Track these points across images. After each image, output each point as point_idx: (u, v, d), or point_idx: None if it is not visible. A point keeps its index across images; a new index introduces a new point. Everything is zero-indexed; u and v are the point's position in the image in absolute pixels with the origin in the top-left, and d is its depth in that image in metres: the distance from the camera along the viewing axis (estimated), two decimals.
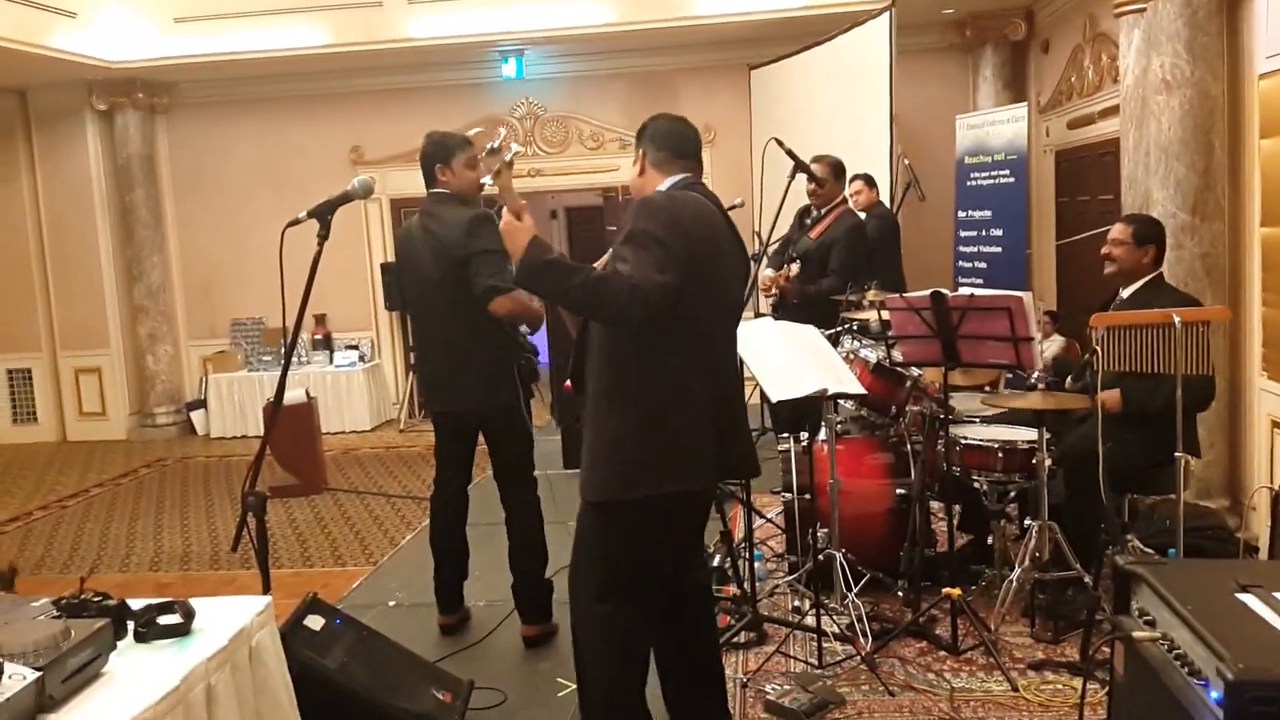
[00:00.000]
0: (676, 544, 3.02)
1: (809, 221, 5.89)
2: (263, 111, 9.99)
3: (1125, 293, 4.27)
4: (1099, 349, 3.79)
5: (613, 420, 2.79)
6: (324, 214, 2.90)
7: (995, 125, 8.06)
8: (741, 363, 3.53)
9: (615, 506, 2.81)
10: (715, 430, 2.83)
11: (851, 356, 4.65)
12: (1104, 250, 4.31)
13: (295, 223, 2.87)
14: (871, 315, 5.04)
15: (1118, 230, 4.29)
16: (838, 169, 5.85)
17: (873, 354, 4.70)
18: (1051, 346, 6.86)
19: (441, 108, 9.59)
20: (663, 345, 2.74)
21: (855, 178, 6.72)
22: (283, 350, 9.39)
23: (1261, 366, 4.80)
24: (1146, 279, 4.23)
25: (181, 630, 2.29)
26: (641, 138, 3.02)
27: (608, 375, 2.82)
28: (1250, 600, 2.03)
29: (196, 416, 10.12)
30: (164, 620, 2.30)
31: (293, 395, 7.11)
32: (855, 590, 4.19)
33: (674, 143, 2.97)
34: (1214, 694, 1.82)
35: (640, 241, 2.66)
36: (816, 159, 5.56)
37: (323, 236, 2.88)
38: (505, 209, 2.74)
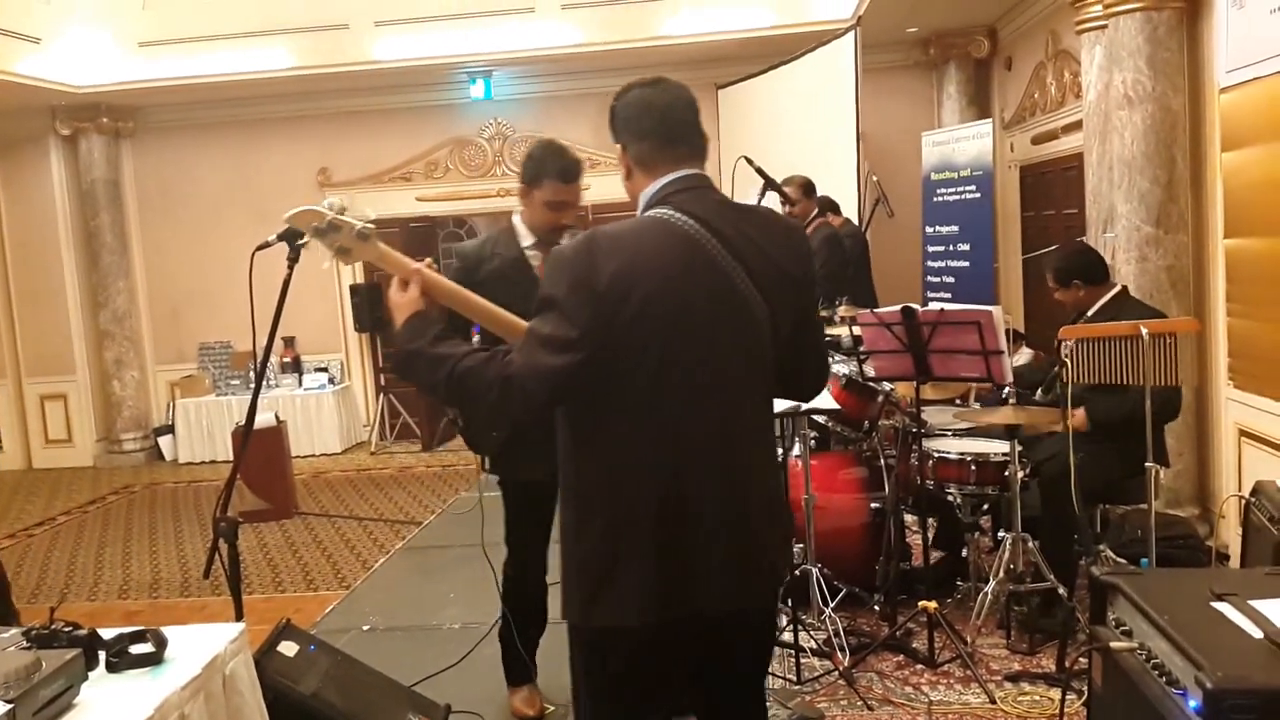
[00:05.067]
0: (661, 692, 2.16)
1: None
2: (229, 134, 9.93)
3: (1090, 312, 4.30)
4: (1068, 361, 3.82)
5: (565, 522, 2.13)
6: (294, 237, 2.87)
7: (960, 142, 8.14)
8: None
9: (576, 630, 2.14)
10: (675, 545, 2.00)
11: None
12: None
13: (265, 246, 2.84)
14: (843, 331, 5.06)
15: (1048, 279, 4.39)
16: (807, 188, 5.89)
17: (844, 369, 4.72)
18: (1021, 358, 6.91)
19: (410, 129, 9.60)
20: (601, 432, 2.04)
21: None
22: (251, 373, 9.32)
23: (1228, 376, 4.85)
24: (1108, 297, 4.26)
25: (154, 659, 2.26)
26: (615, 125, 2.22)
27: (563, 465, 2.14)
28: (1226, 609, 2.04)
29: (164, 442, 10.01)
30: (136, 649, 2.27)
31: (262, 419, 7.05)
32: (832, 605, 4.20)
33: (655, 124, 2.18)
34: (1193, 703, 1.83)
35: (540, 312, 2.02)
36: (785, 181, 5.58)
37: (293, 260, 2.85)
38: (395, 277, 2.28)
